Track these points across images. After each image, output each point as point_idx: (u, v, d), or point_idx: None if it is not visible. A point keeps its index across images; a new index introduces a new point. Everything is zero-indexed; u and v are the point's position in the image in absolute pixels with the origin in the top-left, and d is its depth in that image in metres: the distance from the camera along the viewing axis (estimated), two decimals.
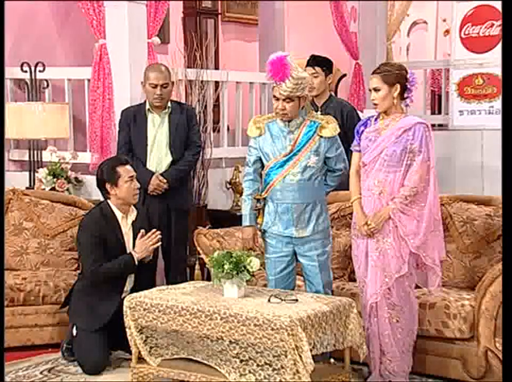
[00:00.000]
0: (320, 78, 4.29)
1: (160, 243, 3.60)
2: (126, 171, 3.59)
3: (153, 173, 4.09)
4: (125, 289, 3.61)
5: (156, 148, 4.13)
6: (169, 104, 4.15)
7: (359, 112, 5.42)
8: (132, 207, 3.66)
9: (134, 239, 3.60)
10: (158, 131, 4.13)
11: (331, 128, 3.30)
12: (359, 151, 3.30)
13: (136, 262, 3.53)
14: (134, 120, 4.15)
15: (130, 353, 3.44)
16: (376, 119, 3.27)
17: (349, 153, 4.26)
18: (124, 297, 3.49)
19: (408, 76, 3.19)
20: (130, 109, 4.25)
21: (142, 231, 3.58)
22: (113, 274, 3.53)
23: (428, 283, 3.24)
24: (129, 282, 3.63)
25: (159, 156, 4.13)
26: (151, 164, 4.12)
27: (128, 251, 3.58)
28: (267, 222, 3.37)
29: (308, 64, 4.36)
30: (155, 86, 4.04)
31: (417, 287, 3.32)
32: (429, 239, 3.16)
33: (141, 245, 3.55)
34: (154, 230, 3.59)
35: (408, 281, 3.21)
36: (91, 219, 3.62)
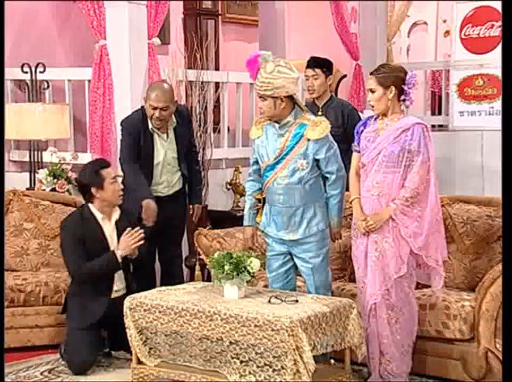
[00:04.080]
0: (320, 79, 4.29)
1: (142, 241, 3.56)
2: (108, 173, 3.61)
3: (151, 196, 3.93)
4: (116, 288, 3.61)
5: (168, 168, 4.02)
6: (173, 119, 4.01)
7: (359, 112, 5.40)
8: (116, 207, 3.66)
9: (119, 238, 3.60)
10: (167, 152, 4.01)
11: (319, 129, 3.24)
12: (359, 151, 3.30)
13: (119, 260, 3.53)
14: (143, 138, 3.96)
15: (131, 353, 3.44)
16: (375, 119, 3.28)
17: (349, 153, 4.26)
18: (118, 296, 3.52)
19: (407, 78, 3.17)
20: (135, 120, 4.01)
21: (128, 228, 3.58)
22: (96, 272, 3.54)
23: (431, 284, 3.24)
24: (120, 280, 3.62)
25: (170, 177, 4.04)
26: (161, 186, 4.01)
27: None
28: (264, 222, 3.39)
29: (308, 66, 4.36)
30: (155, 108, 3.87)
31: (417, 287, 3.32)
32: (431, 239, 3.16)
33: (123, 243, 3.56)
34: (137, 228, 3.57)
35: (408, 282, 3.20)
36: (70, 221, 3.64)
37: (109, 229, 3.62)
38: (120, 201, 3.66)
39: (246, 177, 3.56)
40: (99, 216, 3.61)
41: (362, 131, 3.29)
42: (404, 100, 3.19)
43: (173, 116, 4.03)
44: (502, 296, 3.15)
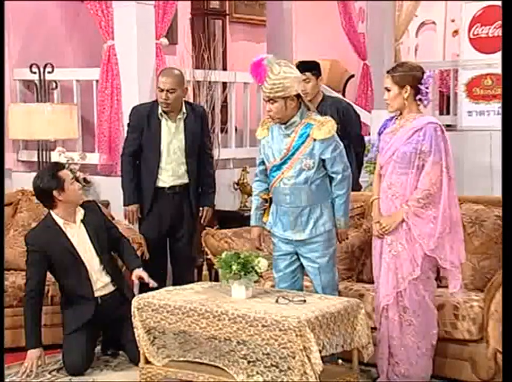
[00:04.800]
0: (311, 83, 4.30)
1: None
2: (66, 174, 3.63)
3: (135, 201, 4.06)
4: (102, 284, 3.61)
5: (173, 157, 4.05)
6: (184, 109, 4.07)
7: (366, 112, 5.38)
8: (78, 207, 3.68)
9: (90, 236, 3.61)
10: (172, 140, 4.05)
11: (325, 129, 3.24)
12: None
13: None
14: (147, 124, 4.04)
15: (130, 356, 3.48)
16: (395, 120, 3.26)
17: (349, 149, 4.23)
18: (108, 294, 3.58)
19: (424, 77, 3.14)
20: (142, 109, 4.12)
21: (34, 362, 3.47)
22: (24, 318, 3.56)
23: (448, 286, 3.21)
24: (101, 276, 3.61)
25: (176, 166, 4.07)
26: (166, 173, 4.05)
27: (80, 255, 3.58)
28: (270, 222, 3.39)
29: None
30: (162, 90, 3.96)
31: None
32: (445, 241, 3.12)
33: (27, 359, 3.50)
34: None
35: (423, 285, 3.17)
36: (31, 235, 3.65)
37: (75, 232, 3.62)
38: (82, 200, 3.69)
39: (253, 177, 3.57)
40: (60, 221, 3.60)
41: (382, 132, 3.28)
42: (420, 99, 3.17)
43: (184, 107, 4.06)
44: (502, 296, 3.12)
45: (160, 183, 4.07)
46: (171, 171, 4.07)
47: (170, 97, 3.97)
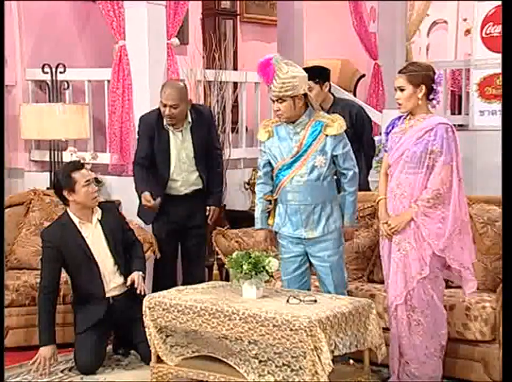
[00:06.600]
0: (314, 90, 4.22)
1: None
2: (82, 175, 3.58)
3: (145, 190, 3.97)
4: (115, 285, 3.61)
5: (183, 167, 4.02)
6: (189, 118, 4.01)
7: (377, 112, 5.35)
8: (96, 207, 3.66)
9: (106, 237, 3.61)
10: (181, 151, 4.02)
11: (336, 125, 3.27)
12: (387, 151, 3.29)
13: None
14: (156, 134, 3.99)
15: (141, 355, 3.49)
16: (404, 119, 3.25)
17: (360, 153, 4.19)
18: (120, 294, 3.59)
19: (435, 77, 3.14)
20: (149, 119, 4.05)
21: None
22: (38, 314, 3.59)
23: (462, 287, 3.19)
24: (114, 277, 3.62)
25: (188, 175, 4.05)
26: (177, 183, 4.03)
27: (94, 256, 3.58)
28: (278, 223, 3.39)
29: None
30: (165, 105, 3.89)
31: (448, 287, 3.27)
32: (455, 241, 3.11)
33: (41, 355, 3.54)
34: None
35: (432, 285, 3.16)
36: (47, 232, 3.65)
37: (90, 231, 3.62)
38: (95, 204, 3.64)
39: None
40: (76, 220, 3.61)
41: (390, 131, 3.27)
42: (433, 99, 3.16)
43: (189, 116, 4.02)
44: (502, 296, 3.09)
45: (173, 192, 4.05)
46: (182, 181, 4.05)
47: (173, 113, 3.90)
